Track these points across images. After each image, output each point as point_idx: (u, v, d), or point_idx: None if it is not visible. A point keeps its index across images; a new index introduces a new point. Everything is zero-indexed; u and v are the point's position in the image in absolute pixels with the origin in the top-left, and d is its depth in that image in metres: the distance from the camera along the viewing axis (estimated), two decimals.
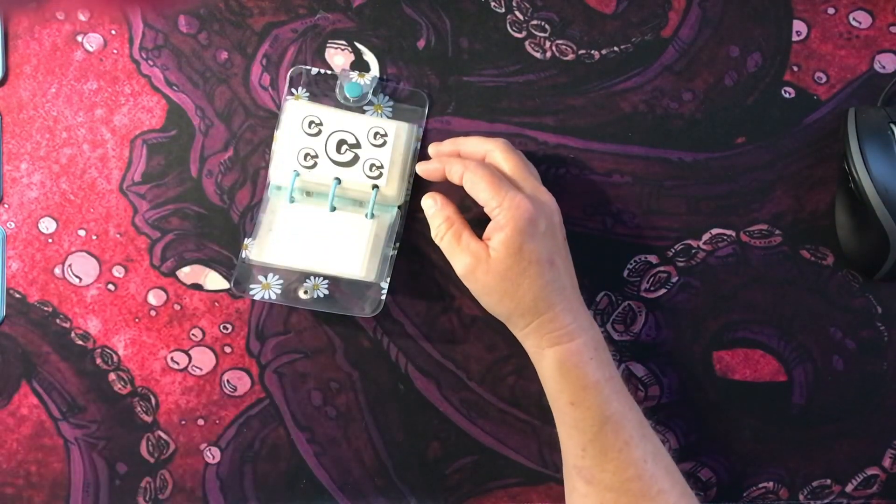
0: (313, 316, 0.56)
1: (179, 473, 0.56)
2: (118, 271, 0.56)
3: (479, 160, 0.52)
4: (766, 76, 0.56)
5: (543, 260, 0.48)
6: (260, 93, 0.56)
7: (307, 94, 0.56)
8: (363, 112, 0.56)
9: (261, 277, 0.55)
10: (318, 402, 0.56)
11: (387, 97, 0.56)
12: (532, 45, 0.56)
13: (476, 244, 0.49)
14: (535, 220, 0.48)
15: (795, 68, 0.57)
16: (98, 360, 0.56)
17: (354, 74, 0.56)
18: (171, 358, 0.56)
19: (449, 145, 0.54)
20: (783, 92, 0.56)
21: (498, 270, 0.48)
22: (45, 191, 0.56)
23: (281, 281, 0.55)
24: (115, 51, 0.56)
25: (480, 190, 0.49)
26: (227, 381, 0.56)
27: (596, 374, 0.49)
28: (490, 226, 0.49)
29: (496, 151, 0.51)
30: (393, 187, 0.54)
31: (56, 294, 0.56)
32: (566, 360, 0.48)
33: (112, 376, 0.56)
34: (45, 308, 0.56)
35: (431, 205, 0.52)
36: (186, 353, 0.56)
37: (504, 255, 0.48)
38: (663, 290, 0.56)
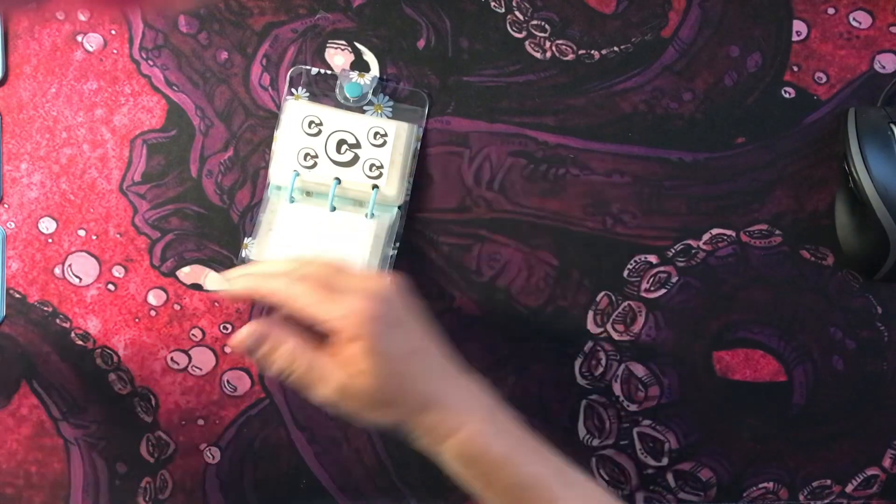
0: None
1: (179, 473, 0.56)
2: (118, 271, 0.56)
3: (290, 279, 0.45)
4: (766, 76, 0.56)
5: (408, 353, 0.44)
6: (260, 93, 0.56)
7: (307, 94, 0.56)
8: (363, 112, 0.56)
9: None
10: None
11: (387, 97, 0.56)
12: (532, 45, 0.56)
13: (331, 367, 0.43)
14: (382, 316, 0.43)
15: (795, 68, 0.57)
16: (98, 360, 0.56)
17: (354, 74, 0.56)
18: (171, 358, 0.56)
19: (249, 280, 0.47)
20: (783, 92, 0.56)
21: (366, 388, 0.43)
22: (45, 191, 0.56)
23: None
24: (115, 51, 0.56)
25: (307, 308, 0.43)
26: (227, 381, 0.56)
27: (502, 448, 0.44)
28: (341, 338, 0.43)
29: (297, 262, 0.46)
30: (393, 187, 0.54)
31: (56, 294, 0.56)
32: (465, 450, 0.44)
33: (112, 376, 0.56)
34: (45, 308, 0.56)
35: (256, 340, 0.44)
36: (186, 353, 0.56)
37: (367, 368, 0.42)
38: (663, 290, 0.56)
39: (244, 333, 0.44)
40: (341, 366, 0.43)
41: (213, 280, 0.45)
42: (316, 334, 0.44)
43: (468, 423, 0.44)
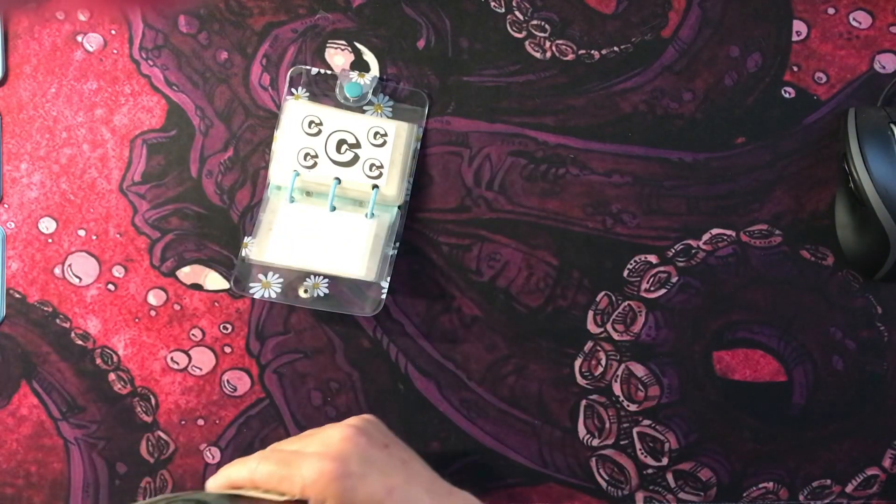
0: (313, 316, 0.56)
1: (179, 473, 0.56)
2: (118, 271, 0.56)
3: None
4: (766, 76, 0.56)
5: (385, 494, 0.43)
6: (260, 93, 0.56)
7: (307, 93, 0.56)
8: (363, 112, 0.56)
9: (261, 276, 0.55)
10: (318, 402, 0.56)
11: (387, 97, 0.56)
12: (532, 45, 0.56)
13: None
14: (346, 472, 0.43)
15: (795, 68, 0.57)
16: (98, 360, 0.56)
17: (354, 74, 0.56)
18: (171, 358, 0.56)
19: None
20: (783, 92, 0.56)
21: None
22: (45, 191, 0.56)
23: (281, 280, 0.55)
24: (114, 51, 0.56)
25: (272, 487, 0.43)
26: (227, 381, 0.56)
27: None
28: None
29: (252, 458, 0.45)
30: (393, 187, 0.54)
31: (56, 294, 0.56)
32: None
33: (112, 376, 0.56)
34: (45, 308, 0.56)
35: None
36: (186, 353, 0.56)
37: None
38: (663, 290, 0.56)
39: None
40: None
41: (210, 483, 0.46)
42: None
43: None
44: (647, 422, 0.56)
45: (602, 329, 0.56)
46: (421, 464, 0.46)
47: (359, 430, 0.45)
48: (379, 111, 0.56)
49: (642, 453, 0.56)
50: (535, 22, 0.57)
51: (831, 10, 0.57)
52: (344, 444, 0.44)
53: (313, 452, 0.44)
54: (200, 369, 0.56)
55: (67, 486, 0.56)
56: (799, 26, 0.57)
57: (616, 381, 0.56)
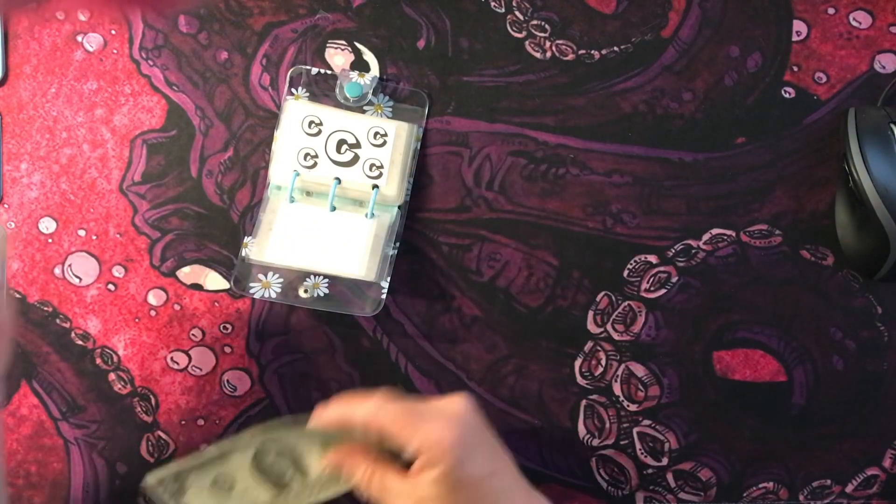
0: (313, 316, 0.56)
1: None
2: (118, 271, 0.56)
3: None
4: (766, 76, 0.57)
5: (487, 475, 0.44)
6: (260, 93, 0.56)
7: (307, 93, 0.56)
8: (363, 112, 0.56)
9: (261, 276, 0.55)
10: (318, 402, 0.56)
11: (387, 97, 0.56)
12: (532, 45, 0.56)
13: (405, 490, 0.43)
14: (463, 443, 0.43)
15: (795, 68, 0.57)
16: (98, 360, 0.56)
17: (354, 74, 0.56)
18: (171, 358, 0.56)
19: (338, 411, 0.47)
20: (783, 92, 0.56)
21: None
22: (45, 191, 0.56)
23: (281, 280, 0.55)
24: (114, 51, 0.56)
25: (391, 431, 0.44)
26: (227, 381, 0.56)
27: None
28: (418, 463, 0.43)
29: (378, 397, 0.46)
30: (393, 187, 0.54)
31: (56, 294, 0.56)
32: None
33: (112, 376, 0.56)
34: (45, 308, 0.56)
35: (336, 466, 0.46)
36: (186, 353, 0.56)
37: (443, 494, 0.43)
38: (663, 290, 0.56)
39: (330, 460, 0.46)
40: (413, 489, 0.44)
41: (315, 418, 0.47)
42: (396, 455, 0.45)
43: None
44: (647, 422, 0.56)
45: (602, 329, 0.56)
46: (510, 457, 0.47)
47: (474, 406, 0.45)
48: (379, 111, 0.56)
49: (642, 453, 0.56)
50: (535, 22, 0.57)
51: (831, 10, 0.57)
52: (467, 414, 0.44)
53: (439, 413, 0.44)
54: (200, 369, 0.56)
55: (67, 486, 0.56)
56: (799, 26, 0.57)
57: (616, 381, 0.56)
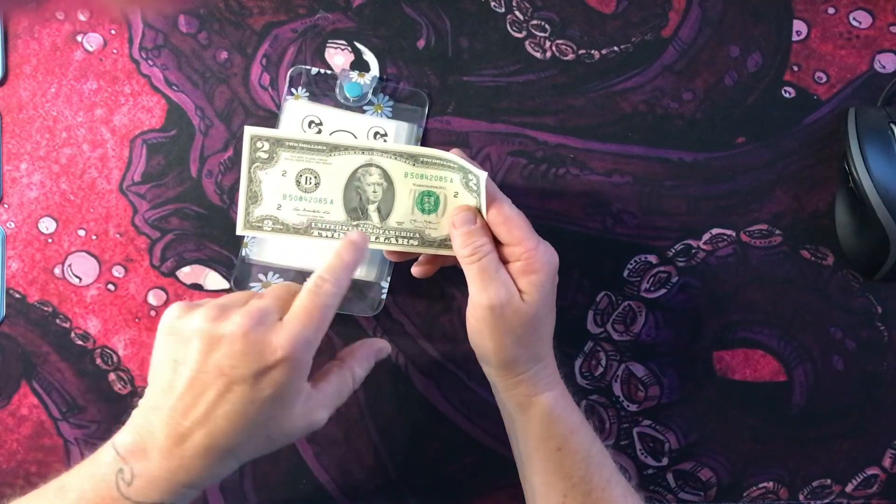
0: None
1: None
2: (118, 271, 0.56)
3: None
4: (766, 76, 0.56)
5: (554, 308, 0.48)
6: (260, 93, 0.56)
7: (307, 93, 0.56)
8: (363, 112, 0.56)
9: (261, 276, 0.55)
10: None
11: (387, 97, 0.56)
12: (532, 45, 0.56)
13: (511, 280, 0.46)
14: (557, 269, 0.47)
15: (795, 68, 0.57)
16: (98, 360, 0.56)
17: (354, 74, 0.56)
18: None
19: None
20: (783, 92, 0.56)
21: (526, 313, 0.46)
22: (45, 191, 0.56)
23: (281, 280, 0.55)
24: (114, 51, 0.56)
25: (518, 227, 0.46)
26: None
27: (580, 416, 0.49)
28: (517, 266, 0.46)
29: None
30: None
31: (56, 294, 0.56)
32: (556, 405, 0.48)
33: (112, 376, 0.56)
34: (45, 308, 0.56)
35: (471, 220, 0.47)
36: None
37: (535, 299, 0.46)
38: (663, 290, 0.56)
39: (461, 209, 0.48)
40: (513, 283, 0.46)
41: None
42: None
43: (562, 384, 0.49)
44: (647, 422, 0.56)
45: (602, 329, 0.56)
46: None
47: None
48: (379, 111, 0.56)
49: (642, 453, 0.56)
50: (535, 22, 0.57)
51: (831, 10, 0.57)
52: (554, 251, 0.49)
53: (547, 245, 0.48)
54: None
55: None
56: (799, 26, 0.57)
57: (616, 381, 0.56)
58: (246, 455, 0.43)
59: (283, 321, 0.43)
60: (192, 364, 0.42)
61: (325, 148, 0.47)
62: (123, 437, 0.43)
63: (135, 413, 0.43)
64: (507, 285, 0.46)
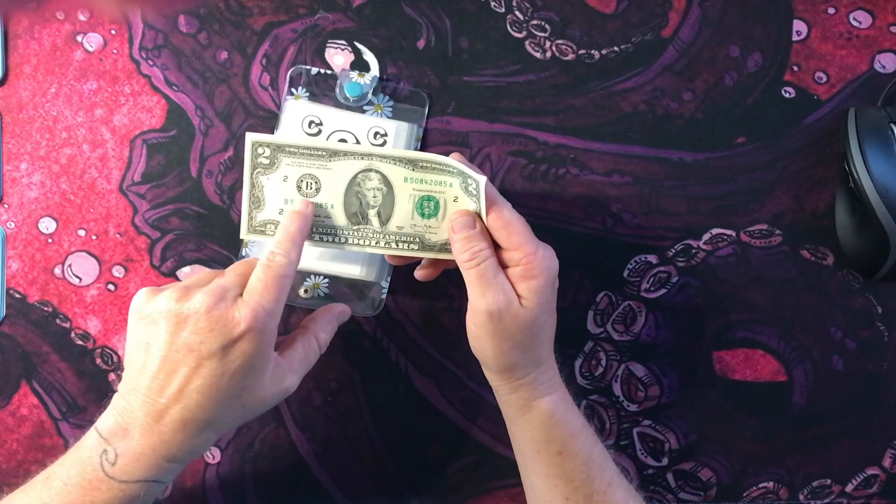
0: None
1: (179, 473, 0.56)
2: (118, 271, 0.56)
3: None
4: (767, 76, 0.56)
5: (554, 312, 0.48)
6: (260, 93, 0.56)
7: (307, 93, 0.56)
8: (363, 112, 0.56)
9: None
10: (318, 402, 0.56)
11: (387, 97, 0.56)
12: (532, 45, 0.56)
13: (510, 285, 0.46)
14: (558, 274, 0.47)
15: (795, 68, 0.57)
16: (98, 360, 0.56)
17: (354, 74, 0.56)
18: None
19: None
20: (783, 92, 0.56)
21: (525, 319, 0.46)
22: (45, 191, 0.56)
23: None
24: (114, 51, 0.56)
25: (517, 231, 0.46)
26: None
27: (581, 420, 0.49)
28: (517, 271, 0.46)
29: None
30: None
31: (56, 294, 0.56)
32: (556, 408, 0.48)
33: (112, 376, 0.56)
34: (45, 308, 0.56)
35: (470, 225, 0.47)
36: None
37: (534, 305, 0.46)
38: (663, 290, 0.56)
39: (460, 214, 0.48)
40: (512, 288, 0.46)
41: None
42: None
43: (562, 387, 0.49)
44: (647, 422, 0.56)
45: (602, 329, 0.56)
46: None
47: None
48: (379, 111, 0.56)
49: (642, 453, 0.56)
50: (535, 22, 0.57)
51: (831, 10, 0.57)
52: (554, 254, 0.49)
53: (547, 249, 0.48)
54: None
55: None
56: (799, 26, 0.57)
57: (616, 381, 0.56)
58: (223, 426, 0.45)
59: (242, 296, 0.45)
60: (161, 344, 0.44)
61: (324, 153, 0.48)
62: (105, 421, 0.45)
63: (115, 397, 0.45)
64: (506, 291, 0.46)
